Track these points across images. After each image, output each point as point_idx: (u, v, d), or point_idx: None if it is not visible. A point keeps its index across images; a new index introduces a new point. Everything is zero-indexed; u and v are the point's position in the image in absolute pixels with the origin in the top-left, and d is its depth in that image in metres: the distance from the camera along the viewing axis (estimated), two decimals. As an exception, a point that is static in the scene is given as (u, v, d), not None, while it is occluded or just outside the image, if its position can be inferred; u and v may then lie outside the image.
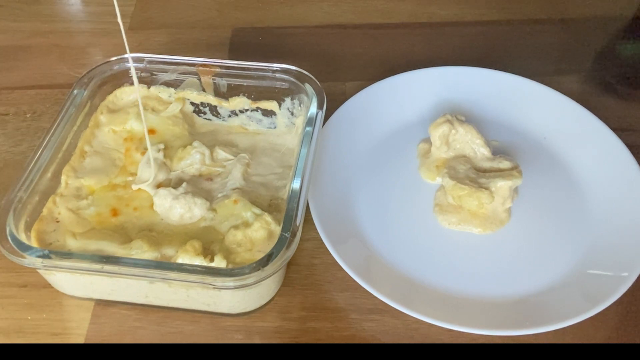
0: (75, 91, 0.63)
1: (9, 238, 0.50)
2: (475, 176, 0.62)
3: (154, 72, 0.66)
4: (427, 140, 0.68)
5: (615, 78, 0.79)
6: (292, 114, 0.66)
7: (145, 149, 0.62)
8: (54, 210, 0.58)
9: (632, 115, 0.74)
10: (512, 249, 0.60)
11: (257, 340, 0.55)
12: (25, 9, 0.89)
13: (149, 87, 0.67)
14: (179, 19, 0.88)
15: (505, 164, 0.63)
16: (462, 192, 0.61)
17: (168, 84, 0.67)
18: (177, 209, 0.57)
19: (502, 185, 0.61)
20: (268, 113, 0.66)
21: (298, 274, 0.59)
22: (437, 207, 0.63)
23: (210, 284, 0.49)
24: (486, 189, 0.61)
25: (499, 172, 0.62)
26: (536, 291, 0.57)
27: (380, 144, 0.69)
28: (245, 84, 0.65)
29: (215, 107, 0.67)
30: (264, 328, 0.55)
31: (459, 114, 0.67)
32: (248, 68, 0.65)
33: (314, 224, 0.58)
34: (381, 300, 0.53)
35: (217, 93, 0.67)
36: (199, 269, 0.50)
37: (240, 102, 0.66)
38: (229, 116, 0.67)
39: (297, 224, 0.51)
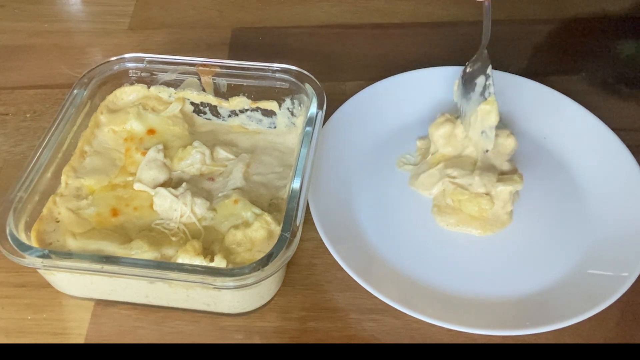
0: (75, 91, 0.63)
1: (9, 238, 0.50)
2: (478, 178, 0.62)
3: (154, 72, 0.66)
4: (426, 138, 0.68)
5: (615, 78, 0.79)
6: (292, 114, 0.66)
7: (146, 149, 0.62)
8: (54, 210, 0.58)
9: (632, 115, 0.74)
10: (512, 249, 0.60)
11: (257, 340, 0.55)
12: (25, 9, 0.89)
13: (149, 87, 0.67)
14: (179, 19, 0.88)
15: (505, 165, 0.63)
16: (462, 197, 0.61)
17: (168, 84, 0.67)
18: (177, 209, 0.57)
19: (502, 190, 0.60)
20: (268, 113, 0.66)
21: (298, 274, 0.59)
22: (435, 208, 0.63)
23: (210, 284, 0.49)
24: (486, 194, 0.61)
25: (500, 176, 0.62)
26: (536, 291, 0.57)
27: (380, 144, 0.69)
28: (245, 84, 0.65)
29: (215, 107, 0.67)
30: (264, 328, 0.55)
31: (454, 113, 0.67)
32: (248, 68, 0.65)
33: (314, 224, 0.58)
34: (381, 300, 0.53)
35: (217, 93, 0.67)
36: (199, 269, 0.50)
37: (240, 102, 0.66)
38: (229, 116, 0.67)
39: (297, 224, 0.51)
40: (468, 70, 0.65)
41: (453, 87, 0.67)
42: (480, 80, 0.64)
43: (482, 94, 0.63)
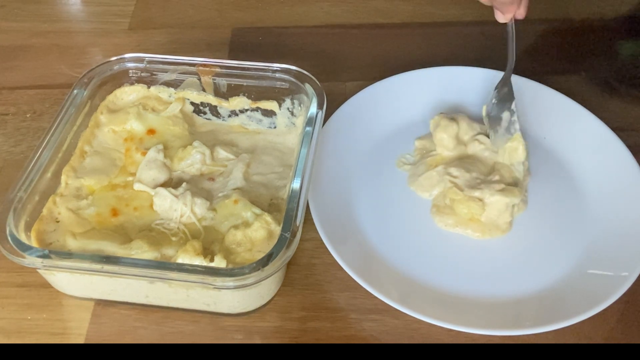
0: (75, 91, 0.63)
1: (9, 238, 0.50)
2: (479, 182, 0.62)
3: (154, 72, 0.66)
4: (425, 137, 0.68)
5: (615, 78, 0.79)
6: (292, 114, 0.66)
7: (146, 149, 0.62)
8: (54, 210, 0.58)
9: (632, 115, 0.74)
10: (512, 249, 0.60)
11: (257, 340, 0.55)
12: (25, 9, 0.89)
13: (149, 87, 0.67)
14: (179, 19, 0.88)
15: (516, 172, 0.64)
16: (456, 196, 0.61)
17: (168, 84, 0.67)
18: (177, 209, 0.57)
19: (497, 200, 0.60)
20: (268, 113, 0.66)
21: (298, 274, 0.59)
22: (434, 208, 0.63)
23: (210, 284, 0.49)
24: (480, 199, 0.61)
25: (503, 185, 0.61)
26: (536, 291, 0.57)
27: (380, 144, 0.69)
28: (245, 84, 0.65)
29: (215, 107, 0.67)
30: (264, 328, 0.55)
31: (449, 112, 0.67)
32: (248, 68, 0.65)
33: (314, 224, 0.58)
34: (381, 300, 0.53)
35: (217, 93, 0.67)
36: (199, 269, 0.50)
37: (240, 102, 0.66)
38: (229, 116, 0.67)
39: (297, 224, 0.51)
40: (494, 101, 0.65)
41: (482, 113, 0.67)
42: (505, 116, 0.64)
43: (508, 129, 0.63)
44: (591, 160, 0.66)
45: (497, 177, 0.62)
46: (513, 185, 0.62)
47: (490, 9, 0.64)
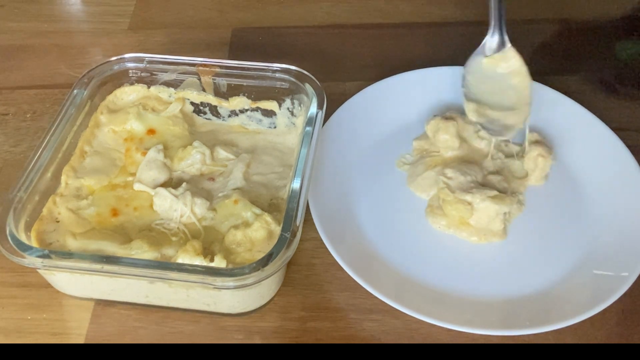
0: (75, 91, 0.63)
1: (9, 238, 0.50)
2: (472, 186, 0.62)
3: (154, 72, 0.66)
4: (422, 138, 0.68)
5: (615, 78, 0.79)
6: (292, 114, 0.66)
7: (146, 149, 0.62)
8: (54, 210, 0.58)
9: (632, 115, 0.74)
10: (512, 249, 0.60)
11: (257, 340, 0.55)
12: (25, 9, 0.89)
13: (149, 87, 0.67)
14: (179, 19, 0.88)
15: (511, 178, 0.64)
16: (446, 197, 0.61)
17: (168, 84, 0.67)
18: (177, 209, 0.57)
19: (486, 206, 0.60)
20: (268, 113, 0.66)
21: (298, 274, 0.59)
22: (428, 209, 0.63)
23: (210, 284, 0.49)
24: (469, 203, 0.61)
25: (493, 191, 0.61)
26: (536, 291, 0.57)
27: (380, 144, 0.69)
28: (245, 84, 0.65)
29: (215, 107, 0.67)
30: (264, 328, 0.55)
31: (440, 113, 0.68)
32: (248, 68, 0.65)
33: (314, 224, 0.58)
34: (381, 300, 0.53)
35: (217, 93, 0.67)
36: (199, 269, 0.50)
37: (240, 102, 0.66)
38: (229, 116, 0.67)
39: (297, 224, 0.51)
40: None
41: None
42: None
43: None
44: (591, 161, 0.66)
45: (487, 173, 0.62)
46: (504, 192, 0.62)
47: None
